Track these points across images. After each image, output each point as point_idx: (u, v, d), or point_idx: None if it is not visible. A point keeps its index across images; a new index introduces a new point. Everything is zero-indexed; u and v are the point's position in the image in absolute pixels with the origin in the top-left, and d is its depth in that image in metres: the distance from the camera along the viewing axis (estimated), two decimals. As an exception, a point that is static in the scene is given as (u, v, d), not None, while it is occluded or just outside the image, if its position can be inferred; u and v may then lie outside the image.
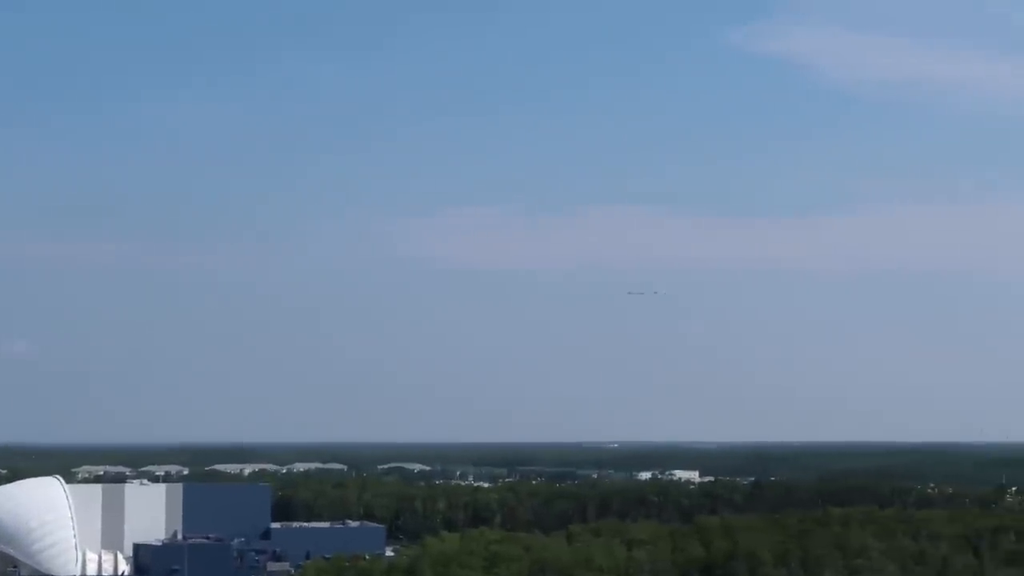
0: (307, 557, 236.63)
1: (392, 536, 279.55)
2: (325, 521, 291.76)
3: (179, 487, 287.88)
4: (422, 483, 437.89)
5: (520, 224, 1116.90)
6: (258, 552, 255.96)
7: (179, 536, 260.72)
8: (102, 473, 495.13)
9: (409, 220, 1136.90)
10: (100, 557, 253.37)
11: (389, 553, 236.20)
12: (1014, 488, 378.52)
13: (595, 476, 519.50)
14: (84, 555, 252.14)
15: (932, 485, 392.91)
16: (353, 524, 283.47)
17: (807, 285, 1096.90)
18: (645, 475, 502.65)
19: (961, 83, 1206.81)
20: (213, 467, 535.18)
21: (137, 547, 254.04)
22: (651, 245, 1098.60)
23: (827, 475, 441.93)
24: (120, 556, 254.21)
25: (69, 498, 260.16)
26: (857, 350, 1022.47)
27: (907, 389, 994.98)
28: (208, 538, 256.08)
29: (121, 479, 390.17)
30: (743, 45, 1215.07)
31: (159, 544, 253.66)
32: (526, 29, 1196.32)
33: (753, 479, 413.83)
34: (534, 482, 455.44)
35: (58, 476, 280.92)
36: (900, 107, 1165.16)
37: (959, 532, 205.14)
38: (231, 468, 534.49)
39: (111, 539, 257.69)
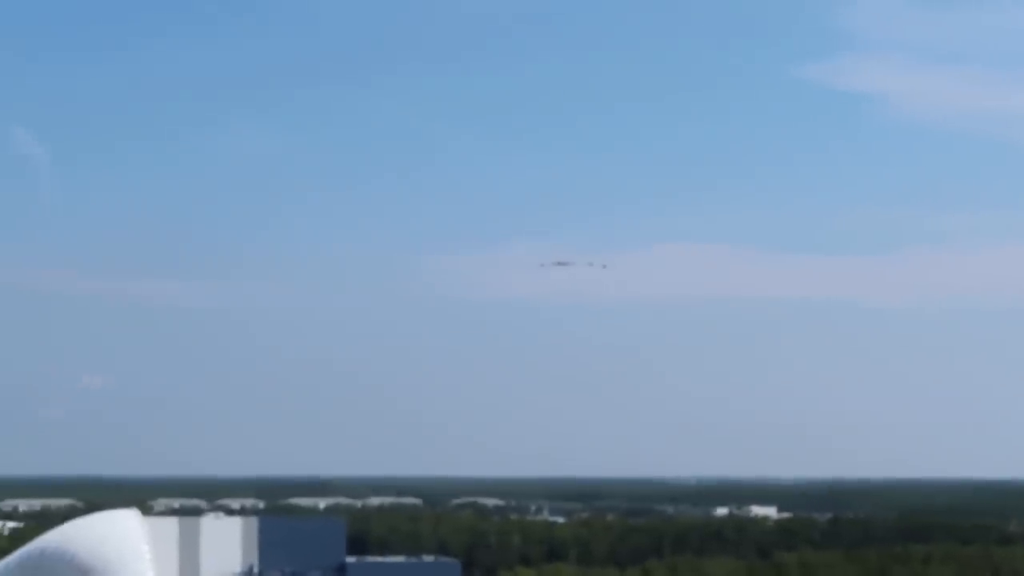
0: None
1: (467, 571, 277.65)
2: (400, 555, 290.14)
3: (255, 520, 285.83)
4: (496, 517, 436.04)
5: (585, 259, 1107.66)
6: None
7: (255, 570, 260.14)
8: (178, 506, 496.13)
9: (463, 257, 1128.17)
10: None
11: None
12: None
13: (671, 511, 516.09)
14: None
15: (1014, 522, 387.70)
16: (428, 559, 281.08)
17: (888, 321, 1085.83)
18: (721, 511, 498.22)
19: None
20: (288, 500, 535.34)
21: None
22: (723, 281, 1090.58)
23: (906, 511, 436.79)
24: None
25: (145, 531, 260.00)
26: (938, 386, 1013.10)
27: (989, 424, 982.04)
28: (284, 572, 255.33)
29: (197, 512, 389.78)
30: (820, 81, 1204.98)
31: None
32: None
33: (831, 515, 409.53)
34: (609, 517, 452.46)
35: (134, 508, 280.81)
36: (977, 140, 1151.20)
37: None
38: (306, 502, 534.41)
39: (187, 573, 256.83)
